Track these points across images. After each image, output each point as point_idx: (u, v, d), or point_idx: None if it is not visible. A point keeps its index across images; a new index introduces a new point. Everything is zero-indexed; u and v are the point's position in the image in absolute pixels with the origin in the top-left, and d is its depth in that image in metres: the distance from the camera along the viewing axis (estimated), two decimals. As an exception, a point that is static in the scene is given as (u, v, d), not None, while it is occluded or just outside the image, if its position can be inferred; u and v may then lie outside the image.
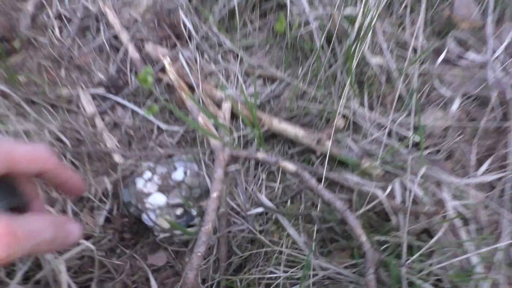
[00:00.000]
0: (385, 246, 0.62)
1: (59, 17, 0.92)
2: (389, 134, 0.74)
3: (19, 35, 0.84)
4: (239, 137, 0.75)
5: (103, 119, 0.80)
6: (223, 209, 0.66)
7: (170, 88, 0.83)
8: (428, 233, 0.63)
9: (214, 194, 0.60)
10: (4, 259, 0.31)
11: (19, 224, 0.33)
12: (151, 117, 0.79)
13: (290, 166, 0.64)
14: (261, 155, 0.65)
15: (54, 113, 0.78)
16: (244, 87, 0.76)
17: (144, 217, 0.68)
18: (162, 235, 0.68)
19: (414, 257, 0.57)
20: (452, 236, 0.63)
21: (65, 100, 0.80)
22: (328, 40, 0.77)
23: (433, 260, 0.61)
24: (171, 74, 0.79)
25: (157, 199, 0.67)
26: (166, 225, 0.66)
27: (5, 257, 0.31)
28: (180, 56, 0.84)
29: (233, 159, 0.71)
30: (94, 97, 0.83)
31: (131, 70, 0.85)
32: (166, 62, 0.79)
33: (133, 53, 0.85)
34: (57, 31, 0.89)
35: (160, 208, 0.67)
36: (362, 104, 0.75)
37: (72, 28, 0.90)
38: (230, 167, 0.70)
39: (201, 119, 0.72)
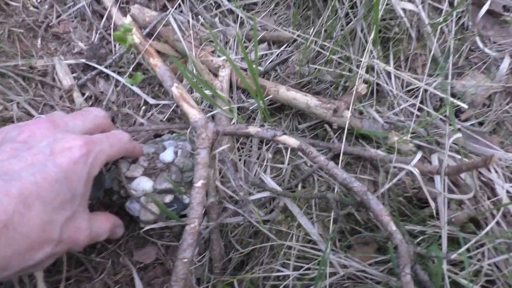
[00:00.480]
0: (420, 238, 0.50)
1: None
2: (421, 102, 0.61)
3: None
4: (239, 110, 0.63)
5: (82, 93, 0.69)
6: (212, 199, 0.54)
7: (161, 56, 0.71)
8: (475, 222, 0.51)
9: (198, 183, 0.48)
10: (80, 249, 0.43)
11: (94, 231, 0.44)
12: (137, 90, 0.68)
13: (291, 140, 0.51)
14: (253, 129, 0.52)
15: (26, 87, 0.67)
16: (242, 51, 0.64)
17: (128, 205, 0.57)
18: (148, 227, 0.57)
19: (461, 250, 0.45)
20: (506, 226, 0.50)
21: (39, 72, 0.69)
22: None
23: (478, 255, 0.48)
24: (135, 36, 0.67)
25: (142, 184, 0.56)
26: (151, 216, 0.55)
27: (81, 249, 0.43)
28: (171, 19, 0.72)
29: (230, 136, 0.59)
30: (73, 69, 0.71)
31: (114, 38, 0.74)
32: (127, 20, 0.67)
33: (117, 18, 0.74)
34: (32, -5, 0.78)
35: (145, 195, 0.56)
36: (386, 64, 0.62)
37: (49, -8, 0.79)
38: (223, 146, 0.58)
39: (176, 89, 0.59)
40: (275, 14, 0.74)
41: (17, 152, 0.38)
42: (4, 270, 0.35)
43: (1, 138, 0.40)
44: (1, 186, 0.34)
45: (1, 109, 0.60)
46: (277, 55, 0.68)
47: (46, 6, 0.77)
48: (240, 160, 0.61)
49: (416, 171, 0.49)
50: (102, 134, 0.46)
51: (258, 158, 0.61)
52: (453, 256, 0.44)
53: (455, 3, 0.63)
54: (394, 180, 0.52)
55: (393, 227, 0.44)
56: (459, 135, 0.52)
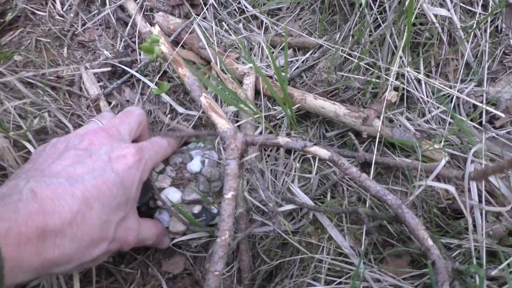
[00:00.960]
0: (456, 252, 0.49)
1: (60, -12, 0.81)
2: (453, 109, 0.59)
3: (12, 8, 0.74)
4: (265, 118, 0.63)
5: (109, 102, 0.69)
6: (241, 209, 0.54)
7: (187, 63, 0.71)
8: (513, 235, 0.49)
9: (228, 195, 0.48)
10: (128, 249, 0.47)
11: (141, 233, 0.48)
12: (168, 99, 0.67)
13: (322, 151, 0.50)
14: (283, 140, 0.51)
15: (56, 96, 0.67)
16: (270, 59, 0.63)
17: (157, 216, 0.57)
18: (178, 239, 0.57)
19: (501, 266, 0.43)
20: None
21: (66, 82, 0.70)
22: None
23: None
24: (163, 46, 0.67)
25: (170, 195, 0.56)
26: (180, 227, 0.55)
27: (129, 249, 0.47)
28: (195, 26, 0.72)
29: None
30: (99, 78, 0.72)
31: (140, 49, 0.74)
32: (156, 30, 0.67)
33: (142, 25, 0.74)
34: (58, 4, 0.79)
35: (174, 206, 0.55)
36: (417, 73, 0.60)
37: (74, 0, 0.79)
38: (251, 155, 0.57)
39: (204, 99, 0.59)
40: (300, 19, 0.73)
41: (79, 158, 0.42)
42: (67, 263, 0.39)
43: (64, 146, 0.45)
44: (67, 188, 0.38)
45: (38, 121, 0.61)
46: (303, 62, 0.67)
47: (72, 15, 0.78)
48: (266, 169, 0.60)
49: (452, 189, 0.47)
50: (147, 143, 0.51)
51: (285, 167, 0.60)
52: (494, 273, 0.43)
53: (489, 5, 0.61)
54: (420, 189, 0.50)
55: (430, 242, 0.43)
56: (481, 146, 0.51)
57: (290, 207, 0.54)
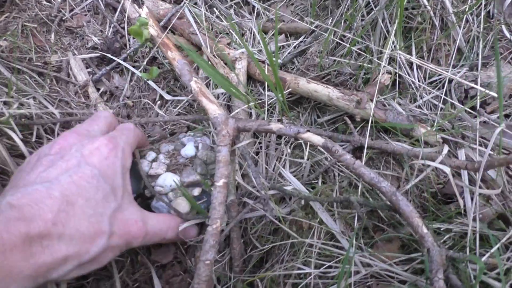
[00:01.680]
0: (445, 236, 0.48)
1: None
2: (445, 94, 0.59)
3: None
4: (257, 104, 0.62)
5: (97, 89, 0.68)
6: (232, 196, 0.53)
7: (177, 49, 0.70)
8: (503, 218, 0.49)
9: (220, 182, 0.47)
10: (132, 247, 0.45)
11: (150, 224, 0.46)
12: (154, 85, 0.66)
13: (315, 138, 0.49)
14: (275, 126, 0.50)
15: (42, 82, 0.66)
16: (262, 44, 0.62)
17: (154, 205, 0.55)
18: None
19: (493, 250, 0.43)
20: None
21: (54, 68, 0.69)
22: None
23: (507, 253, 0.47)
24: (152, 28, 0.65)
25: (168, 179, 0.54)
26: (184, 208, 0.54)
27: (135, 246, 0.45)
28: (187, 11, 0.70)
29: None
30: (88, 64, 0.71)
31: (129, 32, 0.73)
32: (144, 12, 0.66)
33: (131, 11, 0.73)
34: (45, -11, 0.77)
35: (173, 190, 0.54)
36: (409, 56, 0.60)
37: (62, -15, 0.78)
38: (244, 142, 0.56)
39: (195, 83, 0.58)
40: (292, 4, 0.72)
41: (52, 163, 0.42)
42: (63, 264, 0.37)
43: (37, 158, 0.44)
44: (44, 192, 0.38)
45: (19, 106, 0.59)
46: (295, 47, 0.67)
47: (59, 0, 0.76)
48: (258, 154, 0.59)
49: (447, 170, 0.46)
50: (115, 131, 0.50)
51: (275, 151, 0.60)
52: (484, 258, 0.42)
53: (481, -9, 0.61)
54: (421, 177, 0.50)
55: (424, 229, 0.42)
56: (502, 127, 0.49)
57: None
